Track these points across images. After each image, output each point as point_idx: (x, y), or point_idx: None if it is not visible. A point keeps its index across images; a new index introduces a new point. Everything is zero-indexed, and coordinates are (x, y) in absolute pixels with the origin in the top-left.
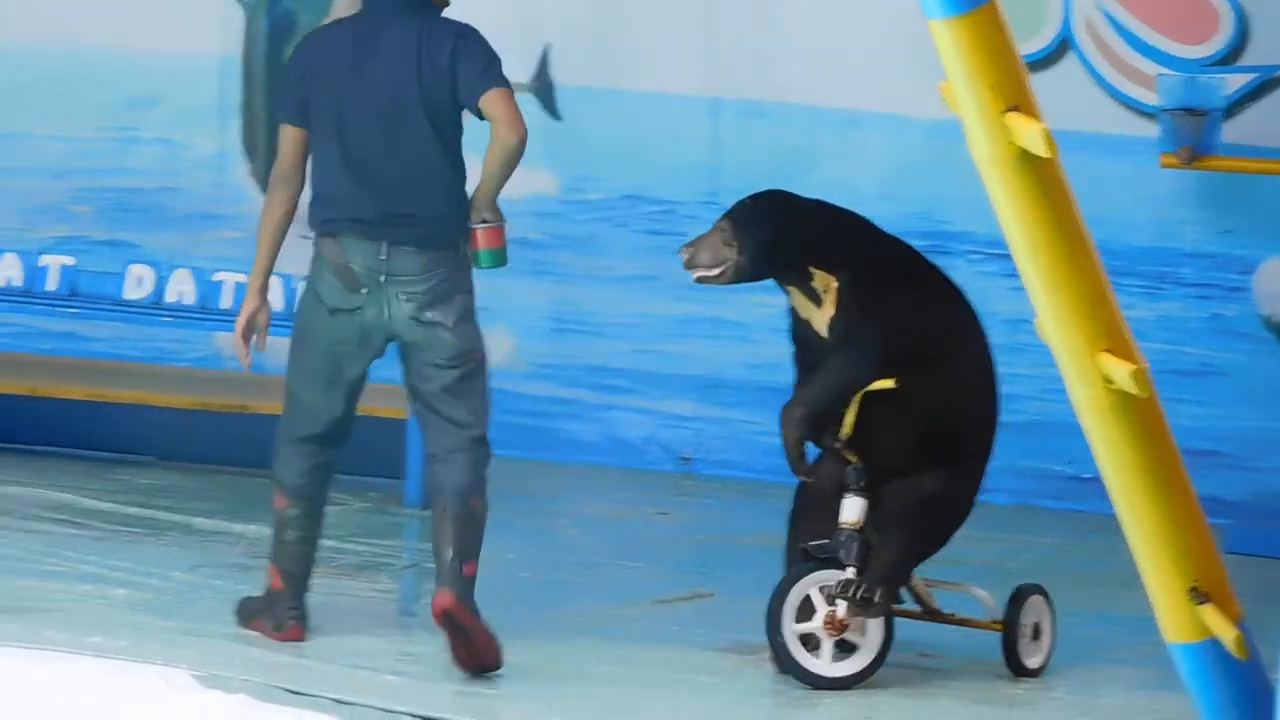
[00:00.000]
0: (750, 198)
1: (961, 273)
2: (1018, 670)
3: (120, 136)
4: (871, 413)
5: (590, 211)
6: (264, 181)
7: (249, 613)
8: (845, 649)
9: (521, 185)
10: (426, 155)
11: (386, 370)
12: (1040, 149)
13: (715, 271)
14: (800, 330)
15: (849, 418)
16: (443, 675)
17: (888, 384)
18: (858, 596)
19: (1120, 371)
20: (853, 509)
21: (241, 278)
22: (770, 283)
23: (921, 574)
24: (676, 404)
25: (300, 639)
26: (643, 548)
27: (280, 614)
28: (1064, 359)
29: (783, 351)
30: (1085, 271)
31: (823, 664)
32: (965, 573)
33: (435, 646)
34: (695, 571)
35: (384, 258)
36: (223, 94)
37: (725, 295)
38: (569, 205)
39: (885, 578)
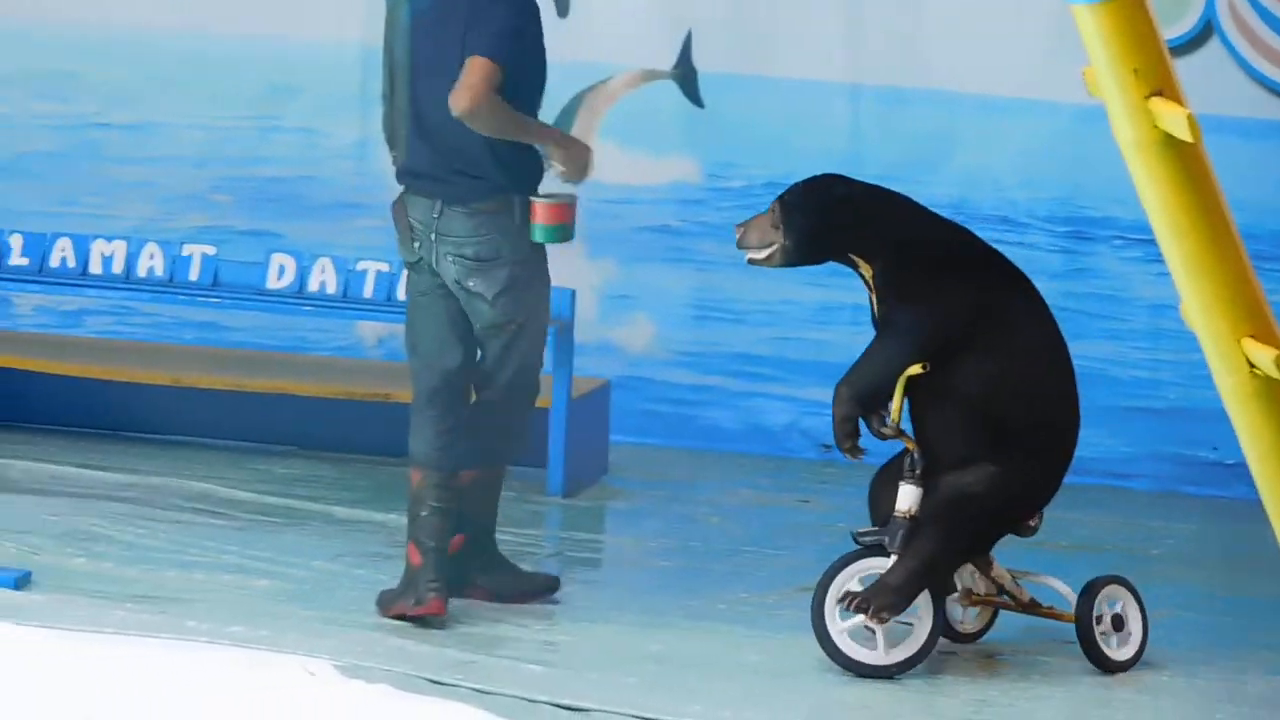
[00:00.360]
0: (803, 181)
1: (1104, 259)
2: (1101, 664)
3: (261, 125)
4: (920, 399)
5: (732, 199)
6: None
7: (389, 600)
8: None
9: (663, 173)
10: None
11: None
12: (1184, 134)
13: (764, 254)
14: (872, 313)
15: (895, 403)
16: (584, 664)
17: (917, 369)
18: (869, 609)
19: (1264, 357)
20: (906, 497)
21: (384, 266)
22: None
23: (1006, 561)
24: (817, 391)
25: (441, 612)
26: (784, 535)
27: (420, 588)
28: (1208, 344)
29: None
30: (1229, 257)
31: (874, 653)
32: (1105, 559)
33: (577, 635)
34: None
35: (436, 215)
36: (364, 83)
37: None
38: (711, 193)
39: (898, 586)
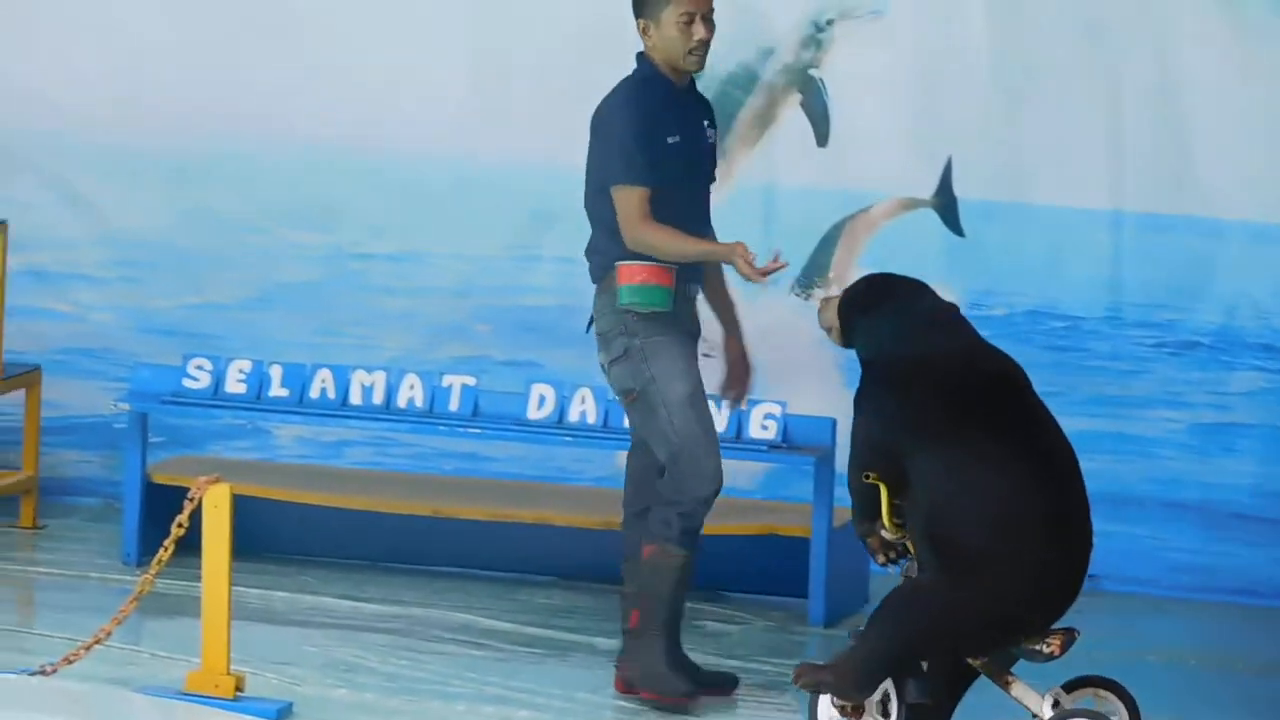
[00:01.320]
0: (867, 276)
1: None
2: None
3: (520, 255)
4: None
5: (995, 327)
6: None
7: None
8: None
9: None
10: (590, 198)
11: (790, 489)
12: None
13: (829, 334)
14: None
15: (883, 510)
16: None
17: (872, 478)
18: (817, 686)
19: None
20: None
21: None
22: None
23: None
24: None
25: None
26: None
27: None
28: None
29: (1188, 468)
30: None
31: None
32: None
33: None
34: None
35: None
36: None
37: (1130, 411)
38: (973, 321)
39: (844, 669)
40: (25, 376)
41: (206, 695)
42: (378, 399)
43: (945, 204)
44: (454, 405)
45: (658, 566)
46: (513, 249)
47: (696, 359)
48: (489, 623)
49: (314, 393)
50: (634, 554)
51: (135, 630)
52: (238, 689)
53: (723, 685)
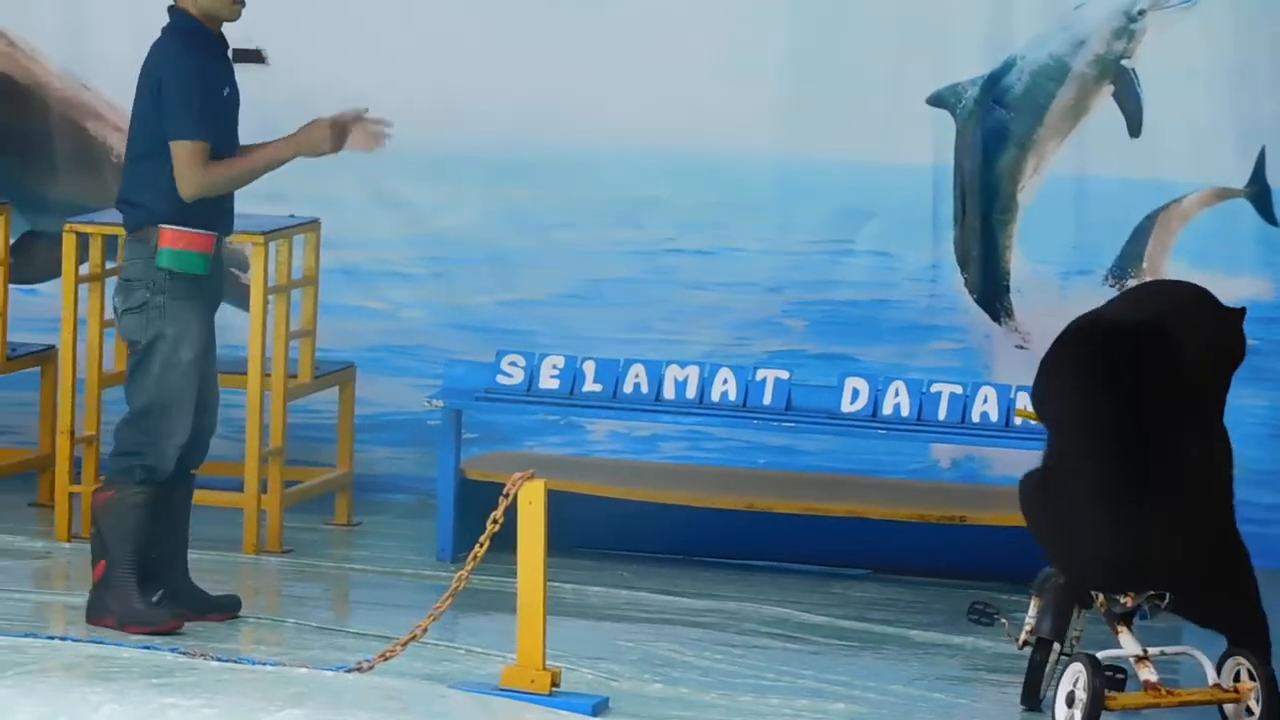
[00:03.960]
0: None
1: None
2: None
3: (834, 249)
4: None
5: None
6: (977, 292)
7: None
8: None
9: (1237, 291)
10: (136, 149)
11: None
12: None
13: None
14: None
15: None
16: None
17: None
18: None
19: None
20: None
21: (957, 388)
22: None
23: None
24: None
25: None
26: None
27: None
28: None
29: None
30: None
31: None
32: None
33: None
34: None
35: None
36: (936, 205)
37: None
38: None
39: None
40: (339, 374)
41: (523, 691)
42: (691, 394)
43: (1259, 193)
44: (767, 399)
45: (116, 509)
46: (825, 243)
47: (211, 327)
48: (803, 616)
49: (627, 388)
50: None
51: (451, 626)
52: (554, 684)
53: (229, 608)
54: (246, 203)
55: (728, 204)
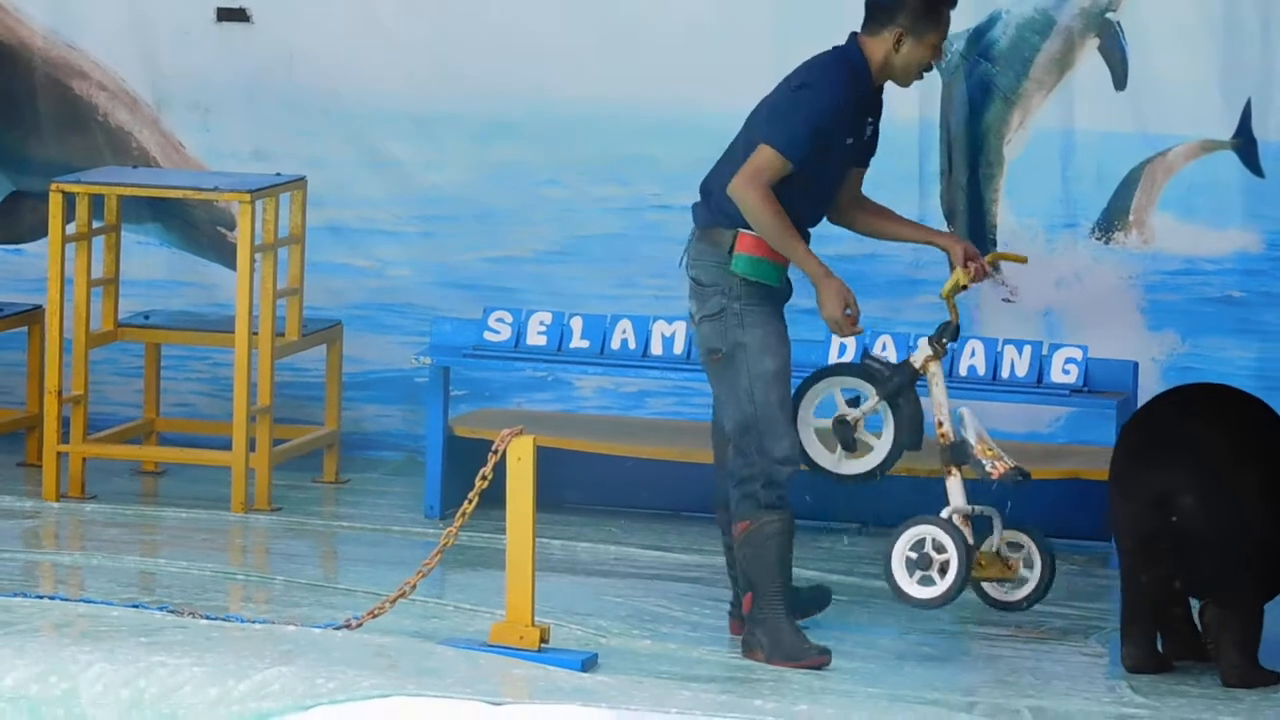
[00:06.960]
0: None
1: None
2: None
3: None
4: None
5: None
6: None
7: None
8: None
9: (1224, 243)
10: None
11: (1091, 433)
12: None
13: None
14: None
15: None
16: None
17: None
18: None
19: None
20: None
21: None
22: None
23: None
24: None
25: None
26: None
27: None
28: None
29: None
30: None
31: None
32: None
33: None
34: None
35: None
36: (922, 160)
37: None
38: (1273, 263)
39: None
40: (327, 332)
41: (511, 647)
42: (678, 349)
43: (1245, 145)
44: None
45: (753, 540)
46: None
47: (788, 339)
48: (794, 570)
49: (615, 344)
50: (730, 534)
51: (440, 583)
52: (542, 640)
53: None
54: (232, 162)
55: (712, 159)
